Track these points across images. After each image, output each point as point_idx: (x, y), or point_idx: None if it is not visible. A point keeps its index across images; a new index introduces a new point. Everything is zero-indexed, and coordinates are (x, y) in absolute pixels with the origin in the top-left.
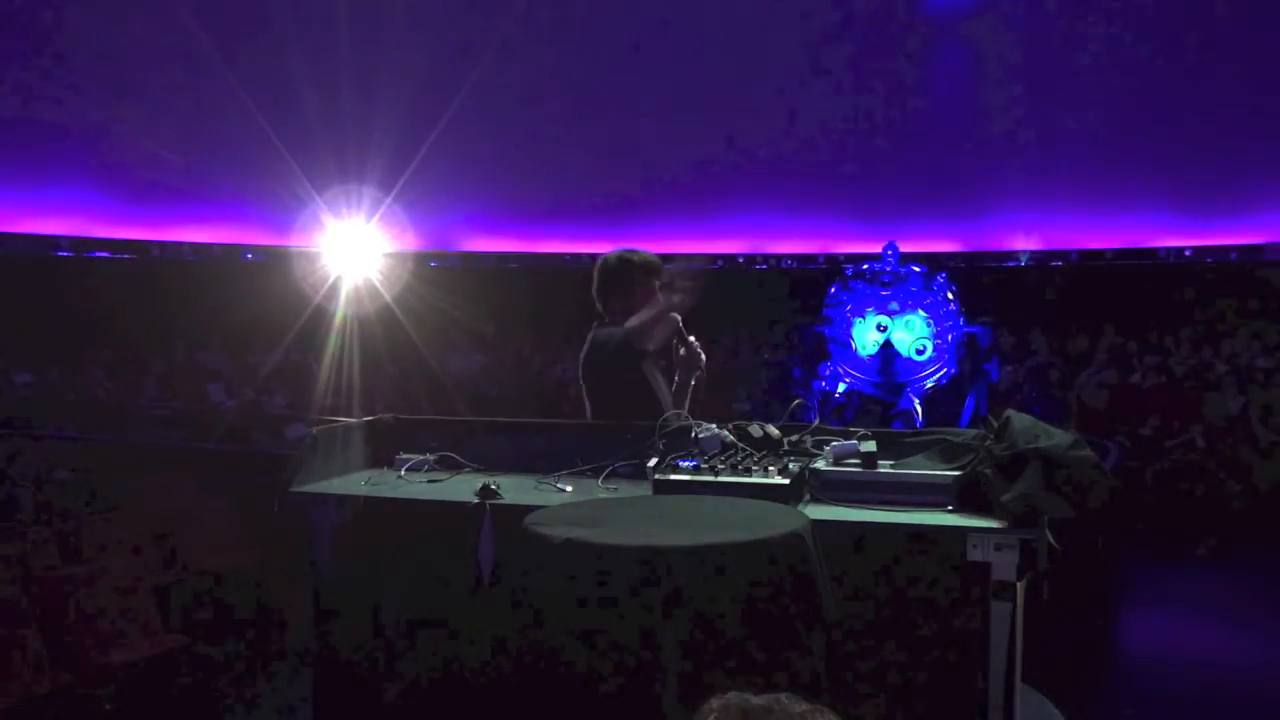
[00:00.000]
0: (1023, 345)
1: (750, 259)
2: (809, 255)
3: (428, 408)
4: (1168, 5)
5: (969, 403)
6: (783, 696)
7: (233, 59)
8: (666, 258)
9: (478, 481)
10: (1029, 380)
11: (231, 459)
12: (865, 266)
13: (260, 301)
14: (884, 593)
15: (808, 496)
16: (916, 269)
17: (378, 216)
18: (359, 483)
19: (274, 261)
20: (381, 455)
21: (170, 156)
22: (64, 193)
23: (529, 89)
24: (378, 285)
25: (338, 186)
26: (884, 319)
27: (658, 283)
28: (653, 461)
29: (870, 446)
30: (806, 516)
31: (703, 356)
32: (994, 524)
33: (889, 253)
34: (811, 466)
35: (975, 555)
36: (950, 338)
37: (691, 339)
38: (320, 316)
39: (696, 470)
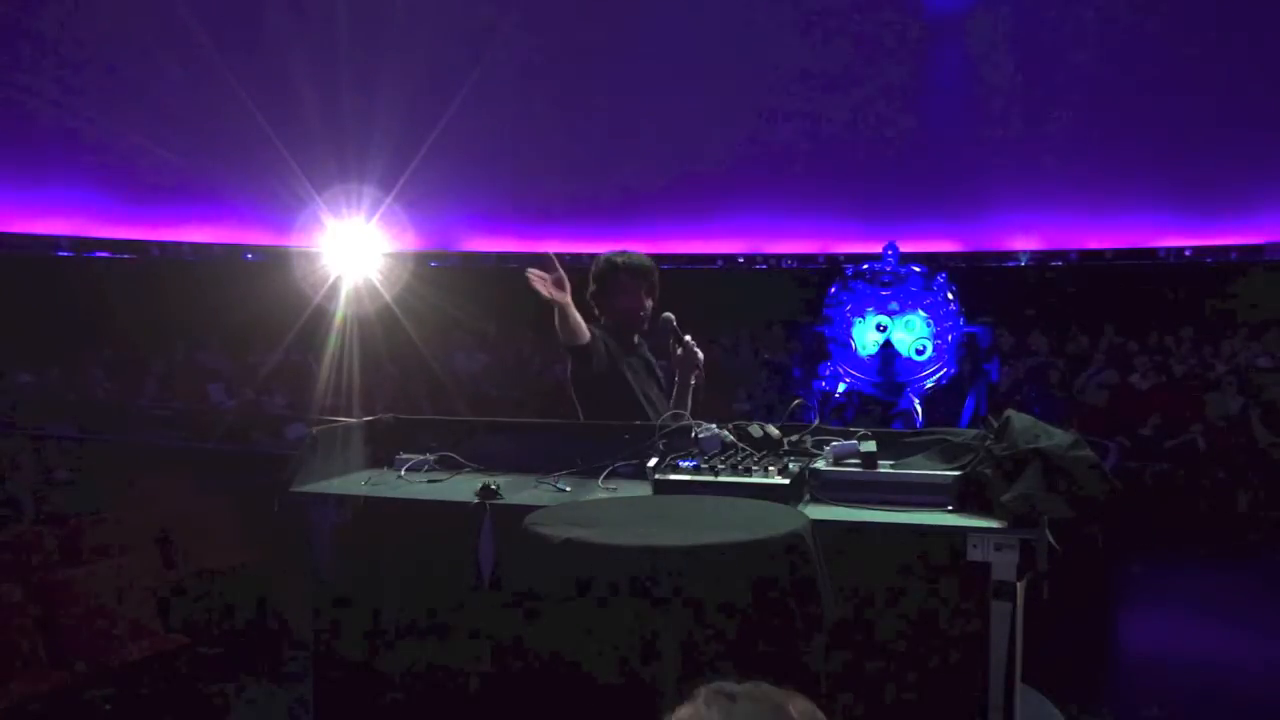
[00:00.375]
0: (1023, 345)
1: (750, 259)
2: (809, 255)
3: (428, 408)
4: (1168, 5)
5: (969, 403)
6: (762, 684)
7: (233, 59)
8: (666, 258)
9: (478, 481)
10: (1029, 380)
11: (231, 459)
12: (865, 266)
13: (260, 301)
14: (884, 593)
15: (808, 496)
16: (916, 269)
17: (378, 216)
18: (359, 483)
19: (274, 261)
20: (381, 455)
21: (170, 156)
22: (64, 193)
23: (529, 89)
24: (378, 285)
25: (338, 186)
26: (884, 319)
27: (645, 284)
28: (653, 461)
29: (870, 446)
30: (806, 516)
31: (700, 355)
32: (994, 524)
33: (889, 253)
34: (811, 466)
35: (975, 555)
36: (950, 338)
37: (688, 338)
38: (320, 316)
39: (696, 470)
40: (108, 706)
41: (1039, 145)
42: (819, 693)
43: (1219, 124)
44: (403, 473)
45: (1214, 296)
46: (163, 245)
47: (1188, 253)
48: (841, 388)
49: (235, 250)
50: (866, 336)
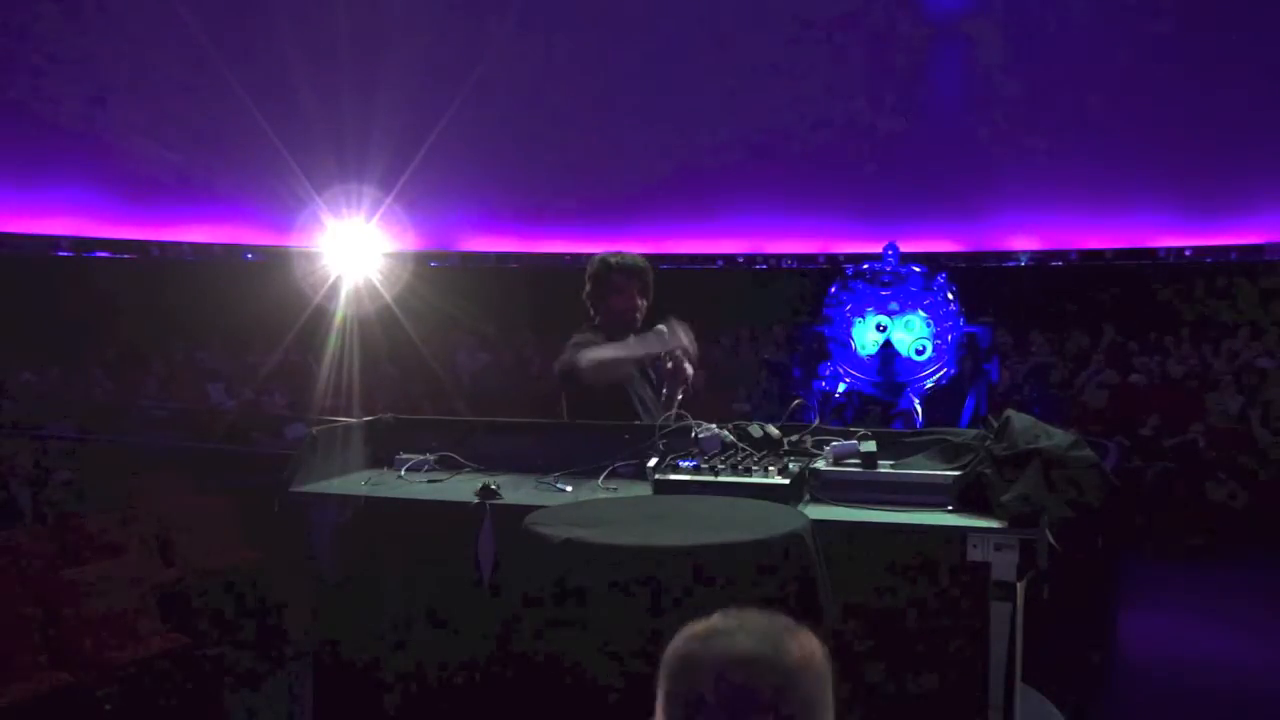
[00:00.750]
0: (1023, 345)
1: (750, 259)
2: (809, 255)
3: (428, 408)
4: (1168, 6)
5: (969, 403)
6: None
7: (233, 59)
8: (666, 258)
9: (478, 481)
10: (1029, 380)
11: (231, 459)
12: (865, 266)
13: (260, 301)
14: (884, 593)
15: (808, 496)
16: (916, 269)
17: (378, 216)
18: (359, 483)
19: (274, 261)
20: (381, 455)
21: (170, 156)
22: (64, 193)
23: (529, 89)
24: (378, 285)
25: (338, 186)
26: (884, 319)
27: (638, 284)
28: (653, 461)
29: (870, 446)
30: (806, 516)
31: (689, 370)
32: (994, 524)
33: (889, 253)
34: (811, 466)
35: (975, 555)
36: (950, 338)
37: (679, 353)
38: (320, 316)
39: (696, 470)
40: (108, 706)
41: (1039, 145)
42: None
43: (1219, 124)
44: (403, 473)
45: (1215, 296)
46: (163, 245)
47: (1188, 253)
48: (841, 388)
49: (235, 250)
50: (866, 336)
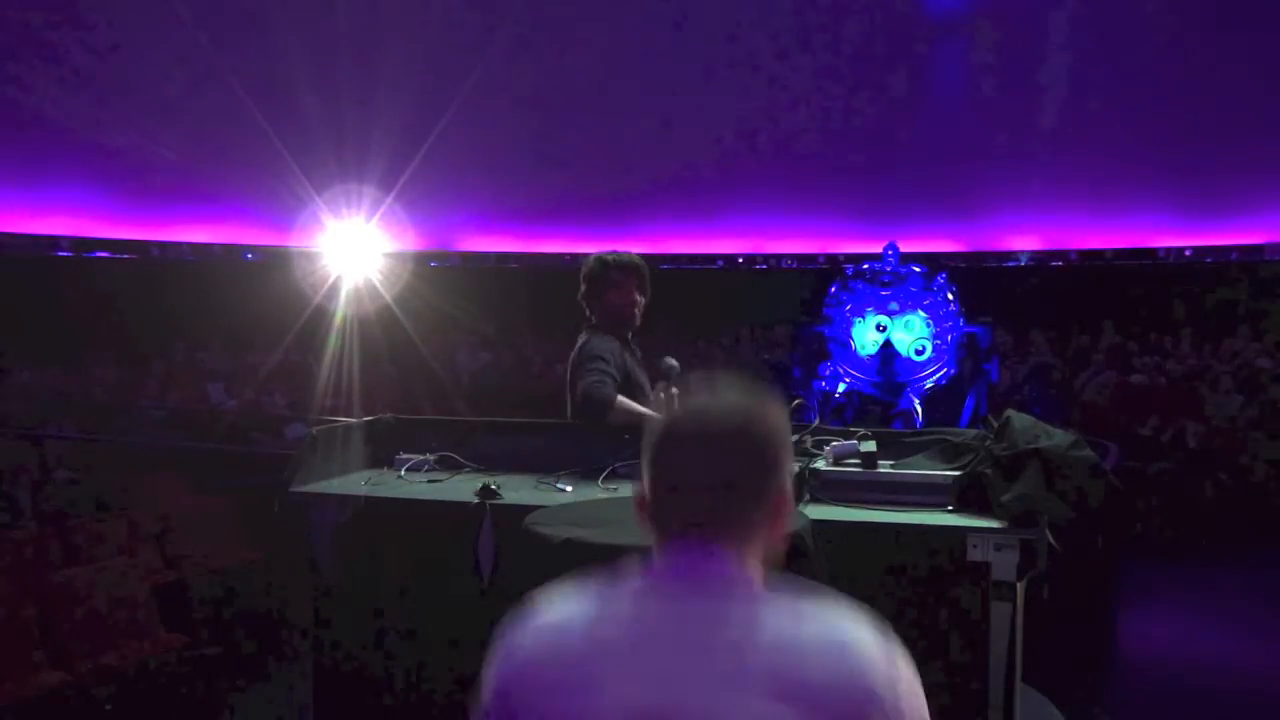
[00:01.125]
0: (1023, 345)
1: (750, 259)
2: (809, 255)
3: (428, 408)
4: (1167, 6)
5: (969, 403)
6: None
7: (233, 59)
8: (666, 258)
9: (478, 481)
10: (1029, 380)
11: (231, 459)
12: (865, 266)
13: (260, 301)
14: (883, 593)
15: (807, 496)
16: (916, 269)
17: (378, 216)
18: (359, 483)
19: (274, 261)
20: (381, 455)
21: (170, 156)
22: (64, 193)
23: (529, 89)
24: (378, 285)
25: (338, 186)
26: (884, 319)
27: (636, 280)
28: None
29: (870, 446)
30: (806, 516)
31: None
32: (994, 524)
33: (889, 253)
34: (811, 466)
35: (975, 555)
36: (950, 338)
37: (674, 390)
38: (320, 316)
39: None
40: (108, 706)
41: (1039, 145)
42: None
43: (1219, 124)
44: (403, 473)
45: (1214, 297)
46: (163, 245)
47: (1188, 253)
48: (841, 388)
49: (235, 250)
50: (866, 336)
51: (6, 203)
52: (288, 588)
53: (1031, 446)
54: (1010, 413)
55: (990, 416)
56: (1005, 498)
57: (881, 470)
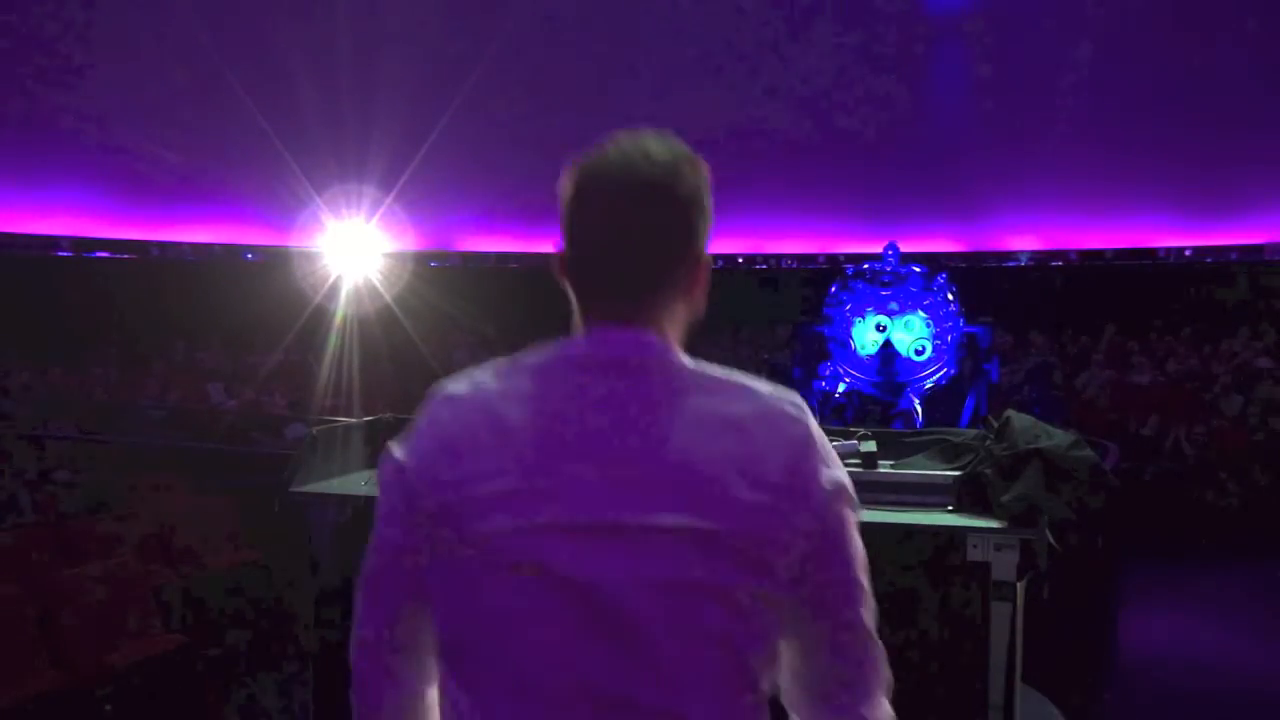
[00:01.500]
0: (1023, 345)
1: (750, 259)
2: (809, 255)
3: None
4: (1168, 6)
5: (969, 403)
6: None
7: (233, 59)
8: None
9: None
10: (1029, 380)
11: (231, 459)
12: (865, 266)
13: (260, 301)
14: (883, 593)
15: None
16: (916, 269)
17: (378, 216)
18: (359, 483)
19: (274, 261)
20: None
21: (170, 156)
22: (64, 193)
23: (529, 88)
24: (378, 285)
25: (338, 186)
26: (884, 319)
27: None
28: None
29: (870, 446)
30: None
31: None
32: (994, 524)
33: (889, 253)
34: None
35: (975, 555)
36: (950, 338)
37: None
38: (320, 316)
39: None
40: (108, 706)
41: (1039, 145)
42: None
43: (1219, 124)
44: None
45: (1214, 297)
46: (163, 245)
47: (1188, 253)
48: (841, 388)
49: (235, 250)
50: (866, 336)
51: (6, 203)
52: (288, 587)
53: (1031, 446)
54: (1010, 413)
55: (990, 416)
56: (1005, 498)
57: (881, 470)
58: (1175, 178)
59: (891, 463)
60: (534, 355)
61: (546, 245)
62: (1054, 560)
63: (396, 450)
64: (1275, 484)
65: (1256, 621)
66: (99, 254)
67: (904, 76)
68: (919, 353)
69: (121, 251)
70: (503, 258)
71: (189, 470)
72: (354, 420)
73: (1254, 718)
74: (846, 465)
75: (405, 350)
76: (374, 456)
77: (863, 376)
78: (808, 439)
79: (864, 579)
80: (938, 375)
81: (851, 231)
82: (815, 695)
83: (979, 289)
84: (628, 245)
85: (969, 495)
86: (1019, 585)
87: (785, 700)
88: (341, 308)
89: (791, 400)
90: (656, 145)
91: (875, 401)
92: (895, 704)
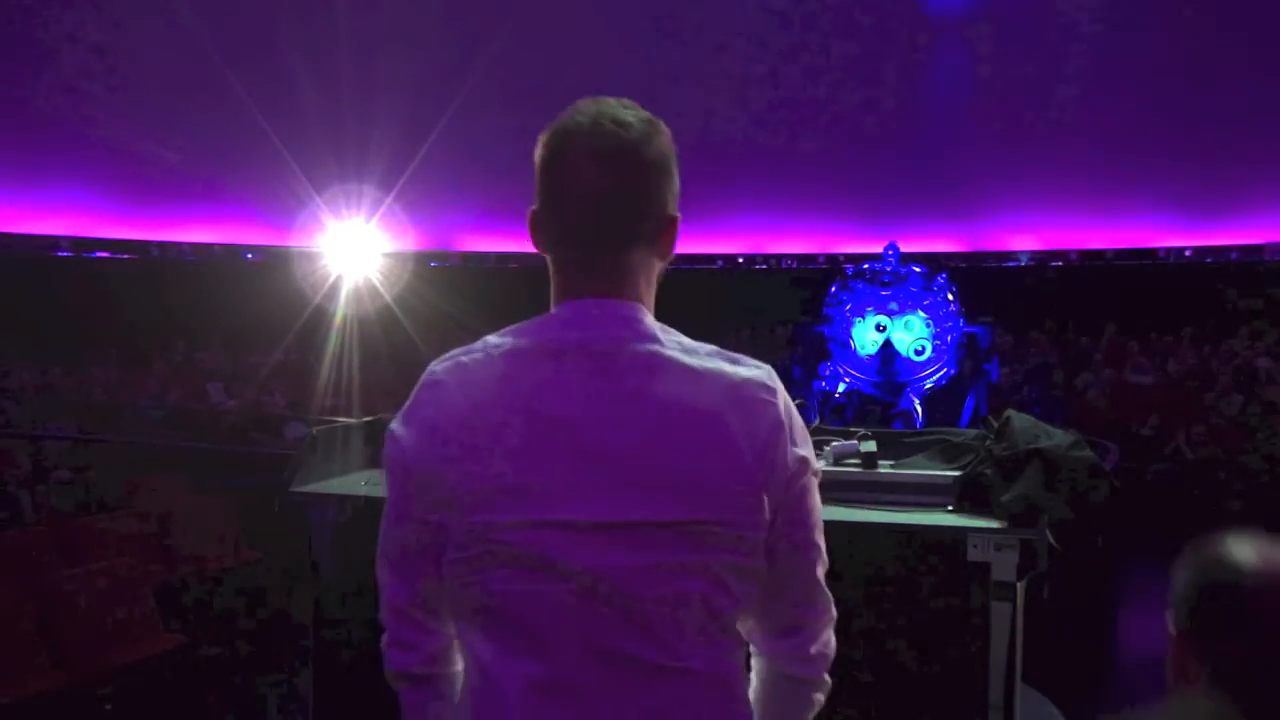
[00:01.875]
0: (1023, 345)
1: (750, 259)
2: (809, 255)
3: None
4: (1168, 7)
5: (969, 403)
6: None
7: (233, 60)
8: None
9: None
10: (1029, 380)
11: (231, 459)
12: (865, 266)
13: (260, 301)
14: (883, 593)
15: None
16: (916, 269)
17: (378, 216)
18: (359, 483)
19: (274, 261)
20: (381, 455)
21: (170, 156)
22: (64, 193)
23: (529, 89)
24: (378, 285)
25: (338, 186)
26: (884, 319)
27: None
28: None
29: (870, 446)
30: None
31: None
32: (994, 524)
33: (889, 253)
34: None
35: (975, 555)
36: (950, 338)
37: None
38: (320, 316)
39: None
40: (108, 706)
41: (1039, 145)
42: None
43: (1219, 125)
44: None
45: (1214, 296)
46: (163, 245)
47: (1188, 253)
48: (841, 388)
49: (235, 250)
50: (866, 336)
51: (6, 203)
52: (287, 587)
53: (1031, 446)
54: (1010, 413)
55: (990, 416)
56: (1005, 498)
57: (881, 470)
58: (1175, 178)
59: (891, 463)
60: (518, 335)
61: None
62: (1054, 560)
63: (396, 428)
64: (1275, 484)
65: None
66: (99, 254)
67: (904, 76)
68: (919, 353)
69: (121, 251)
70: (503, 258)
71: (189, 470)
72: (354, 420)
73: None
74: (847, 465)
75: (405, 350)
76: (374, 456)
77: (863, 376)
78: (777, 423)
79: (820, 539)
80: (938, 375)
81: (851, 231)
82: (773, 632)
83: (979, 289)
84: (600, 205)
85: (969, 495)
86: (1019, 585)
87: (744, 631)
88: (341, 308)
89: (761, 381)
90: (624, 111)
91: (875, 401)
92: (896, 704)
